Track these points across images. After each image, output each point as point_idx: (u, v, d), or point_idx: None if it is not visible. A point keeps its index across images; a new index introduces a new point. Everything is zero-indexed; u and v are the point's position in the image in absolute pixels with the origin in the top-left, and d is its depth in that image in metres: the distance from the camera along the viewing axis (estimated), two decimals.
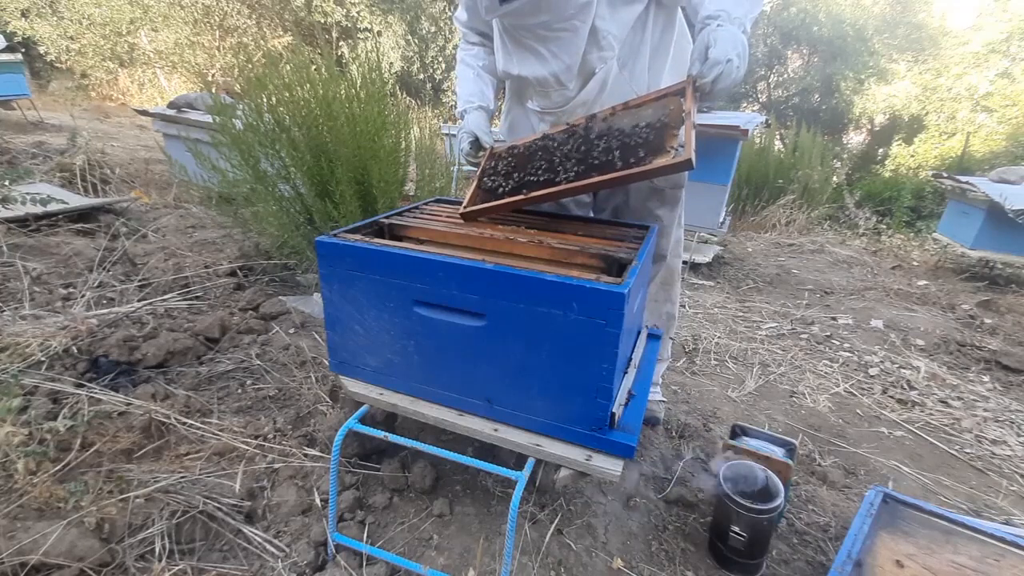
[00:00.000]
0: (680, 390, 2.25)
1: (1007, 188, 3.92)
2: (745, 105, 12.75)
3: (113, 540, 1.21)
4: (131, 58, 10.06)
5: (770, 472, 1.36)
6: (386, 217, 1.45)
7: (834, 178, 7.48)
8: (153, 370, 1.86)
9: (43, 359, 1.70)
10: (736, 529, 1.28)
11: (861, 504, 1.29)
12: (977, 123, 10.50)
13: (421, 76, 11.66)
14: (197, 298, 2.40)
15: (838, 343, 2.89)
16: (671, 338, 1.91)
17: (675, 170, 1.16)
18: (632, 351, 1.41)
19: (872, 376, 2.54)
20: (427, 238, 1.39)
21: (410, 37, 11.23)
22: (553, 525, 1.39)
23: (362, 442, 1.53)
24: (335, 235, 1.26)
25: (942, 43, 11.77)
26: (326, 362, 1.91)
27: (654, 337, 1.60)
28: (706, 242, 4.48)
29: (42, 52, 9.32)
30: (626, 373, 1.29)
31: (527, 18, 1.32)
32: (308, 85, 2.51)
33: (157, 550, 1.20)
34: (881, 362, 2.67)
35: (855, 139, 13.11)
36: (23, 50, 7.40)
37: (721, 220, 3.94)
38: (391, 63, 10.58)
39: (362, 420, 1.30)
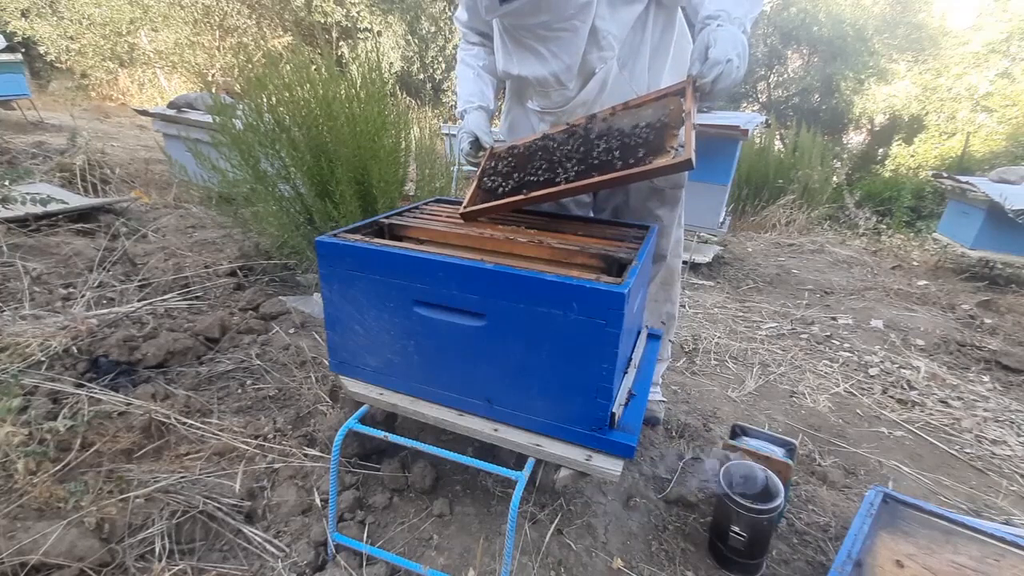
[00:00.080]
0: (680, 390, 2.25)
1: (1007, 188, 3.92)
2: (745, 105, 12.75)
3: (113, 540, 1.21)
4: (131, 58, 10.06)
5: (770, 472, 1.36)
6: (386, 217, 1.45)
7: (834, 178, 7.48)
8: (153, 370, 1.86)
9: (43, 359, 1.70)
10: (736, 529, 1.28)
11: (861, 504, 1.29)
12: (977, 123, 10.50)
13: (421, 76, 11.66)
14: (197, 298, 2.40)
15: (838, 343, 2.89)
16: (671, 339, 1.91)
17: (675, 170, 1.16)
18: (632, 351, 1.41)
19: (872, 376, 2.54)
20: (427, 238, 1.39)
21: (410, 37, 11.23)
22: (553, 525, 1.39)
23: (362, 442, 1.53)
24: (335, 235, 1.26)
25: (942, 43, 11.77)
26: (326, 362, 1.91)
27: (654, 337, 1.60)
28: (706, 242, 4.48)
29: (42, 52, 9.32)
30: (626, 373, 1.29)
31: (527, 18, 1.32)
32: (308, 85, 2.51)
33: (157, 550, 1.20)
34: (881, 362, 2.67)
35: (855, 139, 13.12)
36: (23, 50, 7.40)
37: (721, 220, 3.94)
38: (391, 63, 10.58)
39: (362, 420, 1.30)
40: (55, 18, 9.30)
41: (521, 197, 1.32)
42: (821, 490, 1.69)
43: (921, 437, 2.07)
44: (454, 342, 1.17)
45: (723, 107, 8.23)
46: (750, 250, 4.86)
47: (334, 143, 2.44)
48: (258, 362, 1.99)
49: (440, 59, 11.69)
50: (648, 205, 1.60)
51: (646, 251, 1.22)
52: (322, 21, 10.44)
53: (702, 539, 1.44)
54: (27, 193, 2.69)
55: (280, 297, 2.49)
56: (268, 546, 1.27)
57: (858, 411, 2.23)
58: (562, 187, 1.27)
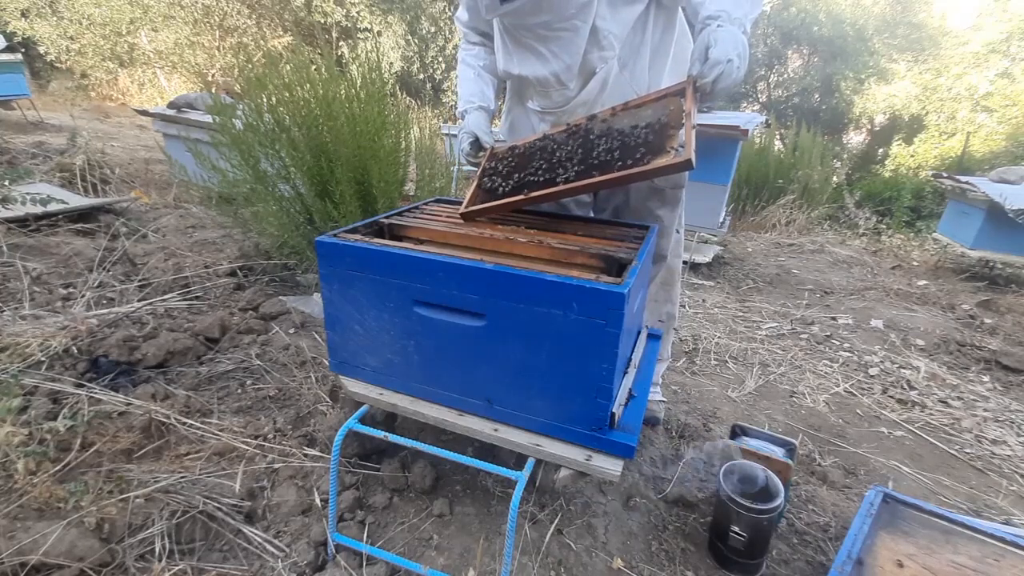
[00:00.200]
0: (680, 390, 2.25)
1: (1007, 188, 3.92)
2: (745, 105, 12.75)
3: (113, 540, 1.21)
4: (131, 58, 10.06)
5: (770, 472, 1.36)
6: (386, 217, 1.45)
7: (834, 178, 7.48)
8: (153, 370, 1.86)
9: (43, 359, 1.70)
10: (736, 529, 1.28)
11: (861, 504, 1.29)
12: (977, 123, 10.51)
13: (421, 76, 11.66)
14: (197, 298, 2.40)
15: (838, 343, 2.89)
16: (671, 337, 1.91)
17: (675, 170, 1.16)
18: (632, 351, 1.41)
19: (872, 376, 2.54)
20: (427, 238, 1.39)
21: (410, 37, 11.23)
22: (553, 525, 1.39)
23: (362, 442, 1.53)
24: (335, 235, 1.26)
25: (942, 43, 11.77)
26: (326, 362, 1.91)
27: (654, 337, 1.60)
28: (706, 242, 4.48)
29: (42, 52, 9.32)
30: (626, 373, 1.29)
31: (528, 18, 1.32)
32: (308, 85, 2.51)
33: (157, 550, 1.20)
34: (881, 362, 2.67)
35: (855, 139, 13.12)
36: (23, 50, 7.40)
37: (721, 220, 3.94)
38: (391, 63, 10.58)
39: (362, 420, 1.30)
40: (55, 18, 9.30)
41: (521, 197, 1.32)
42: (821, 490, 1.69)
43: (921, 437, 2.07)
44: (454, 342, 1.17)
45: (723, 107, 8.23)
46: (750, 250, 4.86)
47: (334, 143, 2.44)
48: (258, 362, 1.99)
49: (440, 59, 11.69)
50: (648, 205, 1.60)
51: (646, 251, 1.22)
52: (322, 21, 10.44)
53: (702, 539, 1.44)
54: (27, 193, 2.69)
55: (280, 297, 2.49)
56: (268, 546, 1.27)
57: (858, 411, 2.23)
58: (562, 187, 1.27)
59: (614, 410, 1.10)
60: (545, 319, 1.05)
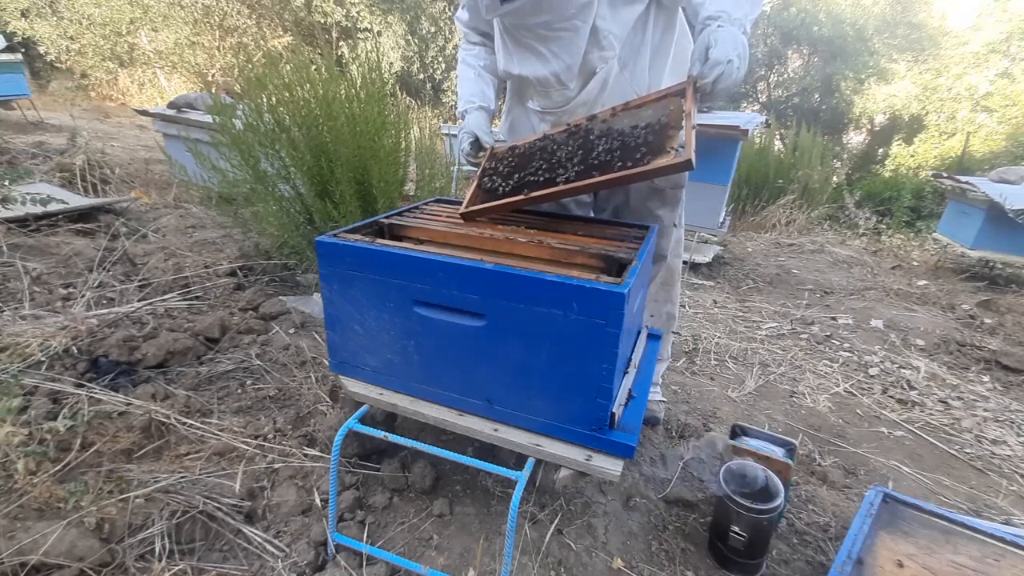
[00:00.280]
0: (680, 390, 2.25)
1: (1007, 188, 3.92)
2: (745, 105, 12.76)
3: (113, 540, 1.21)
4: (131, 58, 10.06)
5: (770, 472, 1.36)
6: (386, 217, 1.45)
7: (834, 178, 7.48)
8: (153, 370, 1.86)
9: (43, 359, 1.70)
10: (736, 529, 1.28)
11: (861, 504, 1.29)
12: (977, 123, 10.51)
13: (421, 76, 11.66)
14: (197, 298, 2.40)
15: (838, 343, 2.89)
16: (671, 338, 1.91)
17: (675, 170, 1.16)
18: (632, 351, 1.41)
19: (872, 376, 2.54)
20: (427, 238, 1.39)
21: (410, 37, 11.23)
22: (553, 525, 1.39)
23: (362, 442, 1.53)
24: (335, 235, 1.26)
25: (942, 43, 11.77)
26: (326, 362, 1.91)
27: (654, 337, 1.60)
28: (706, 242, 4.48)
29: (42, 52, 9.32)
30: (626, 373, 1.29)
31: (528, 18, 1.32)
32: (308, 85, 2.51)
33: (157, 550, 1.20)
34: (881, 362, 2.67)
35: (855, 139, 13.12)
36: (23, 50, 7.40)
37: (721, 220, 3.94)
38: (391, 63, 10.58)
39: (362, 420, 1.30)
40: (55, 18, 9.30)
41: (521, 197, 1.32)
42: (821, 490, 1.69)
43: (921, 437, 2.07)
44: (454, 342, 1.17)
45: (723, 107, 8.23)
46: (750, 250, 4.87)
47: (334, 143, 2.44)
48: (258, 362, 1.99)
49: (440, 59, 11.69)
50: (648, 205, 1.60)
51: (646, 251, 1.22)
52: (322, 21, 10.44)
53: (702, 539, 1.44)
54: (27, 193, 2.69)
55: (280, 297, 2.49)
56: (268, 546, 1.27)
57: (858, 411, 2.23)
58: (562, 187, 1.27)
59: (614, 410, 1.10)
60: (545, 319, 1.05)
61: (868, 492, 1.32)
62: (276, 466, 1.50)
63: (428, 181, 2.92)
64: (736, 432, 1.58)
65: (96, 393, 1.62)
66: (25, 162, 4.31)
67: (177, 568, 1.19)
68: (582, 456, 1.13)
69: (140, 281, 2.42)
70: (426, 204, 1.64)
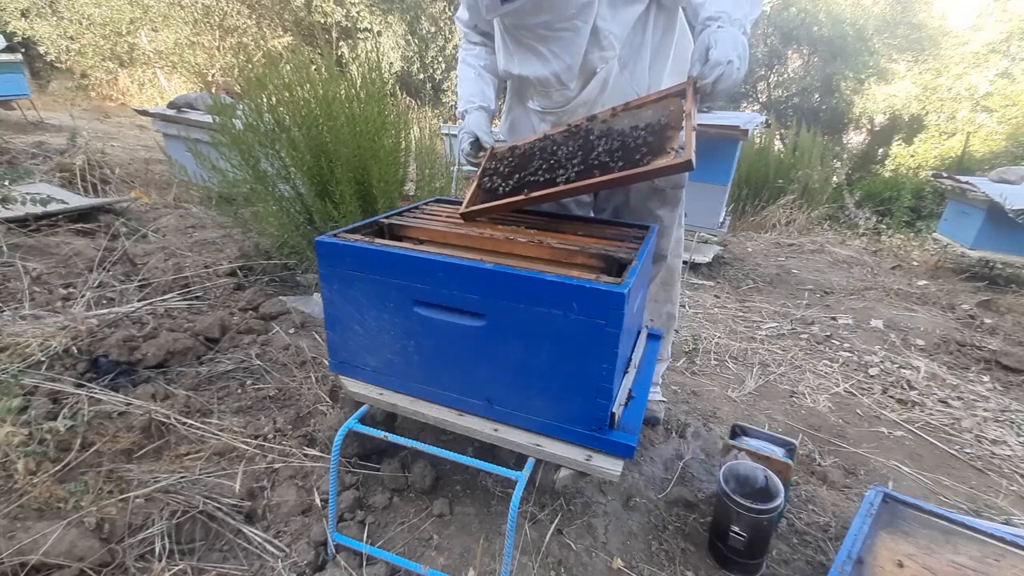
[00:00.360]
0: (680, 390, 2.25)
1: (1007, 188, 3.92)
2: (745, 105, 12.75)
3: (113, 540, 1.21)
4: (131, 58, 10.06)
5: (770, 472, 1.36)
6: (386, 217, 1.45)
7: (834, 178, 7.48)
8: (153, 370, 1.86)
9: (43, 359, 1.70)
10: (736, 529, 1.28)
11: (861, 504, 1.29)
12: (977, 123, 10.51)
13: (421, 76, 11.66)
14: (197, 298, 2.40)
15: (838, 343, 2.89)
16: (671, 337, 1.91)
17: (675, 171, 1.17)
18: (632, 351, 1.41)
19: (872, 376, 2.54)
20: (427, 238, 1.39)
21: (410, 37, 11.23)
22: (553, 525, 1.39)
23: (362, 442, 1.53)
24: (335, 235, 1.26)
25: (942, 43, 11.77)
26: (326, 362, 1.91)
27: (654, 337, 1.60)
28: (706, 242, 4.48)
29: (42, 52, 9.32)
30: (626, 373, 1.29)
31: (528, 18, 1.32)
32: (308, 85, 2.51)
33: (157, 550, 1.20)
34: (881, 362, 2.67)
35: (855, 139, 13.12)
36: (23, 50, 7.40)
37: (721, 220, 3.94)
38: (391, 63, 10.58)
39: (362, 420, 1.30)
40: (55, 18, 9.30)
41: (521, 197, 1.32)
42: (821, 490, 1.70)
43: (921, 437, 2.07)
44: (454, 342, 1.17)
45: (723, 107, 8.23)
46: (750, 250, 4.87)
47: (334, 143, 2.44)
48: (258, 362, 1.99)
49: (440, 59, 11.69)
50: (648, 205, 1.60)
51: (646, 251, 1.22)
52: (322, 21, 10.44)
53: (702, 539, 1.44)
54: (27, 193, 2.69)
55: (280, 297, 2.49)
56: (268, 546, 1.27)
57: (858, 411, 2.23)
58: (562, 187, 1.27)
59: (614, 410, 1.10)
60: (545, 319, 1.05)
61: (868, 492, 1.32)
62: (276, 466, 1.50)
63: (428, 181, 2.92)
64: (736, 432, 1.58)
65: (96, 393, 1.62)
66: (25, 162, 4.31)
67: (177, 568, 1.19)
68: (582, 456, 1.13)
69: (140, 281, 2.42)
70: (426, 204, 1.64)
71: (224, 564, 1.23)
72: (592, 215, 1.72)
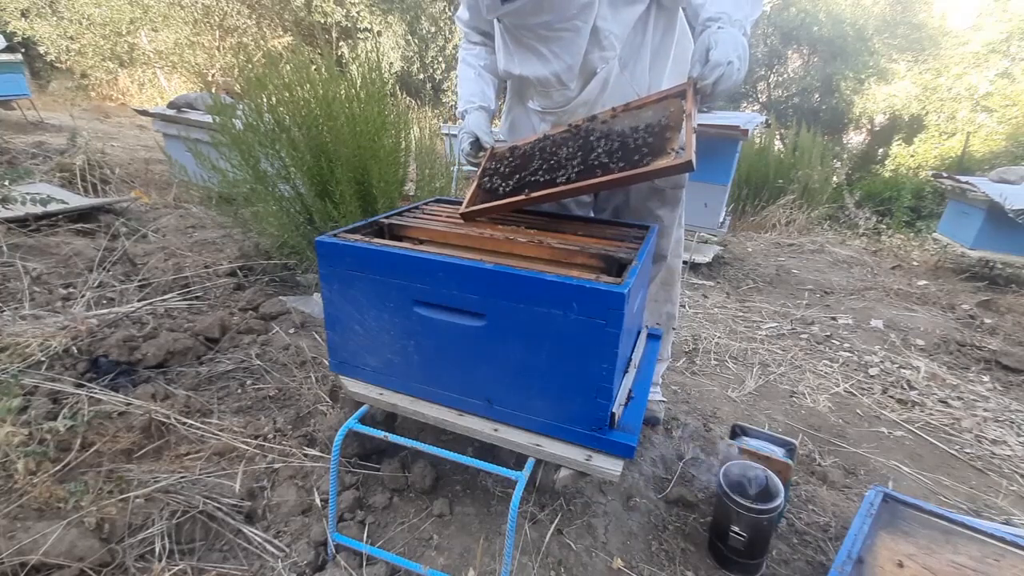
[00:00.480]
0: (680, 390, 2.25)
1: (1007, 188, 3.92)
2: (745, 105, 12.76)
3: (113, 540, 1.21)
4: (131, 58, 10.06)
5: (770, 472, 1.36)
6: (386, 217, 1.45)
7: (834, 178, 7.48)
8: (153, 370, 1.86)
9: (43, 359, 1.70)
10: (736, 529, 1.28)
11: (861, 504, 1.29)
12: (977, 123, 10.51)
13: (421, 76, 11.66)
14: (197, 298, 2.40)
15: (838, 343, 2.89)
16: (671, 337, 1.91)
17: (676, 171, 1.17)
18: (632, 351, 1.41)
19: (872, 376, 2.54)
20: (427, 238, 1.39)
21: (410, 37, 11.23)
22: (553, 525, 1.39)
23: (362, 442, 1.53)
24: (335, 235, 1.26)
25: (942, 43, 11.77)
26: (326, 362, 1.91)
27: (654, 337, 1.60)
28: (706, 242, 4.48)
29: (42, 52, 9.32)
30: (626, 373, 1.29)
31: (529, 18, 1.32)
32: (308, 85, 2.51)
33: (157, 550, 1.20)
34: (881, 362, 2.67)
35: (855, 139, 13.12)
36: (23, 50, 7.40)
37: (721, 220, 3.94)
38: (391, 63, 10.58)
39: (362, 420, 1.30)
40: (55, 18, 9.30)
41: (522, 197, 1.32)
42: (821, 490, 1.70)
43: (921, 437, 2.07)
44: (454, 342, 1.17)
45: (723, 107, 8.22)
46: (750, 250, 4.87)
47: (334, 143, 2.44)
48: (258, 362, 1.99)
49: (440, 59, 11.69)
50: (648, 205, 1.60)
51: (646, 251, 1.22)
52: (322, 21, 10.44)
53: (702, 539, 1.44)
54: (27, 193, 2.69)
55: (280, 297, 2.49)
56: (268, 546, 1.27)
57: (858, 411, 2.23)
58: (563, 188, 1.27)
59: (614, 410, 1.10)
60: (545, 319, 1.05)
61: (868, 492, 1.32)
62: (276, 466, 1.50)
63: (428, 181, 2.92)
64: (736, 432, 1.58)
65: (96, 393, 1.62)
66: (25, 162, 4.31)
67: (177, 568, 1.19)
68: (582, 456, 1.13)
69: (140, 281, 2.42)
70: (426, 204, 1.64)
71: (224, 564, 1.23)
72: (592, 215, 1.72)
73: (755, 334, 2.94)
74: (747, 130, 3.60)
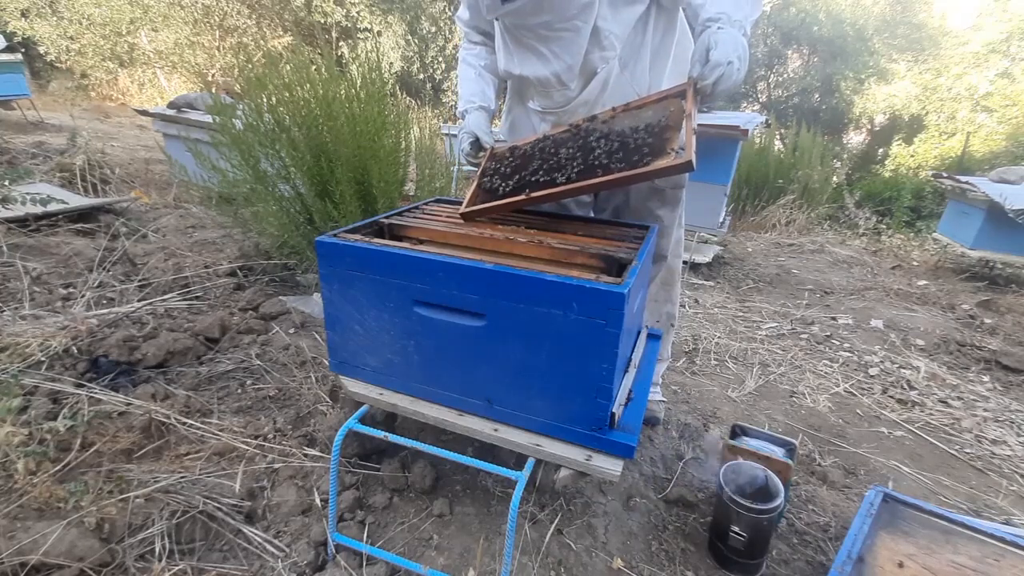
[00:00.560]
0: (680, 390, 2.25)
1: (1007, 188, 3.92)
2: (745, 105, 12.76)
3: (113, 540, 1.21)
4: (131, 58, 10.06)
5: (770, 472, 1.36)
6: (386, 217, 1.45)
7: (834, 178, 7.48)
8: (153, 370, 1.86)
9: (43, 359, 1.70)
10: (736, 529, 1.28)
11: (861, 504, 1.29)
12: (977, 123, 10.52)
13: (421, 76, 11.67)
14: (197, 298, 2.40)
15: (838, 343, 2.89)
16: (671, 337, 1.91)
17: (676, 171, 1.17)
18: (632, 351, 1.41)
19: (872, 376, 2.54)
20: (427, 238, 1.39)
21: (410, 37, 11.23)
22: (553, 525, 1.39)
23: (362, 442, 1.53)
24: (335, 235, 1.26)
25: (942, 43, 11.78)
26: (326, 362, 1.91)
27: (654, 337, 1.60)
28: (706, 242, 4.48)
29: (42, 52, 9.32)
30: (626, 373, 1.29)
31: (529, 18, 1.32)
32: (308, 85, 2.51)
33: (157, 550, 1.20)
34: (881, 362, 2.67)
35: (855, 139, 13.13)
36: (23, 50, 7.40)
37: (721, 220, 3.94)
38: (391, 63, 10.58)
39: (362, 420, 1.30)
40: (55, 18, 9.30)
41: (522, 197, 1.32)
42: (821, 490, 1.70)
43: (921, 437, 2.07)
44: (454, 342, 1.17)
45: (723, 107, 8.22)
46: (750, 250, 4.87)
47: (334, 143, 2.44)
48: (258, 362, 1.99)
49: (440, 59, 11.69)
50: (648, 205, 1.60)
51: (646, 251, 1.22)
52: (322, 21, 10.44)
53: (702, 539, 1.44)
54: (27, 193, 2.69)
55: (280, 297, 2.49)
56: (268, 546, 1.27)
57: (858, 411, 2.23)
58: (563, 188, 1.27)
59: (614, 410, 1.10)
60: (545, 319, 1.05)
61: (868, 492, 1.32)
62: (276, 466, 1.50)
63: (428, 181, 2.92)
64: (736, 432, 1.58)
65: (96, 393, 1.62)
66: (25, 162, 4.31)
67: (177, 568, 1.19)
68: (582, 456, 1.13)
69: (140, 281, 2.42)
70: (426, 204, 1.64)
71: (224, 564, 1.23)
72: (592, 215, 1.72)
73: (755, 334, 2.94)
74: (747, 130, 3.60)
